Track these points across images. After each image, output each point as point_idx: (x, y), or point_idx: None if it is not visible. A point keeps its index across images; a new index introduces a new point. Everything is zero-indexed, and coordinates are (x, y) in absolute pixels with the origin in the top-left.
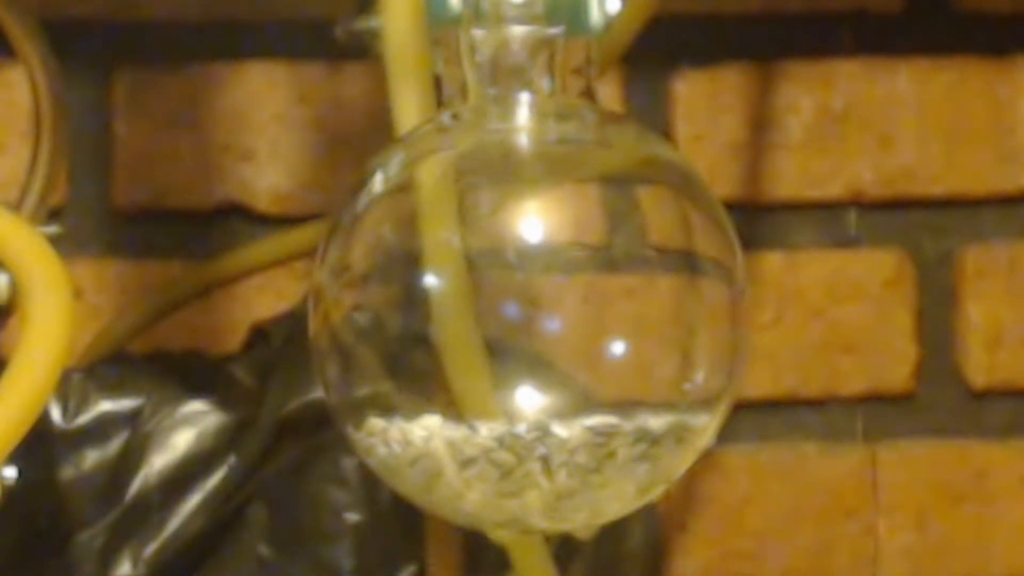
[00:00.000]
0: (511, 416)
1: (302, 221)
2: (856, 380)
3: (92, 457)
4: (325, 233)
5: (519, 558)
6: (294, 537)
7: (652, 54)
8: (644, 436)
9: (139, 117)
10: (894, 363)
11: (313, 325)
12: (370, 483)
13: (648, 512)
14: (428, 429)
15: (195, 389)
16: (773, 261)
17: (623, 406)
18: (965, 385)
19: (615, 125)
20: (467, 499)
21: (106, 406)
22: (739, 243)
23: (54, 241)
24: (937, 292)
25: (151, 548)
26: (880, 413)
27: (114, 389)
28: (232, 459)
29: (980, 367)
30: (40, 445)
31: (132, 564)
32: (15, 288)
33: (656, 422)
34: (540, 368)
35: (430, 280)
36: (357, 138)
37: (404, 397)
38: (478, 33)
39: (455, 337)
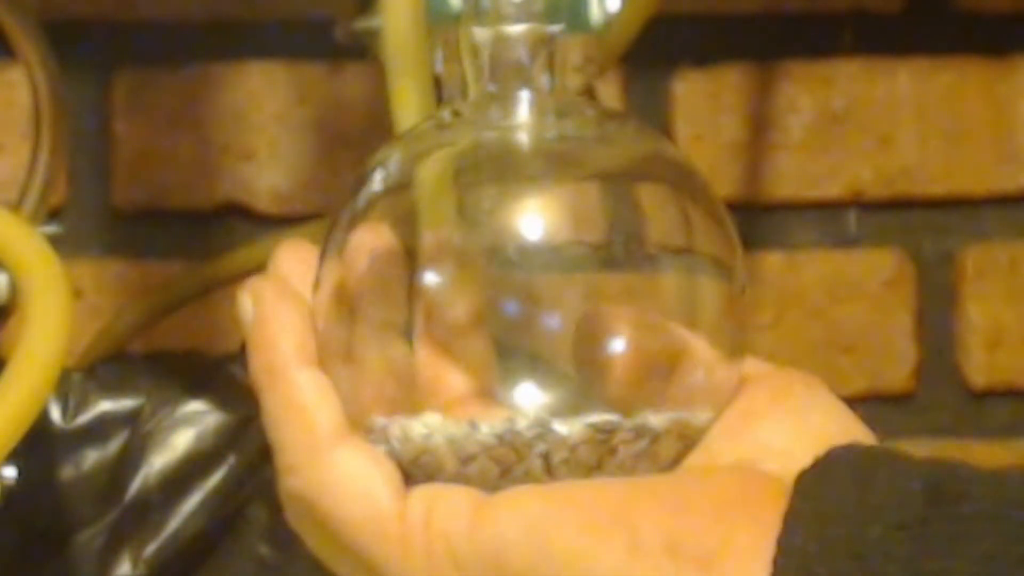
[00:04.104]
0: (511, 413)
1: (302, 221)
2: (856, 380)
3: (92, 457)
4: (325, 233)
5: None
6: (294, 537)
7: (652, 54)
8: (644, 433)
9: (139, 117)
10: (894, 363)
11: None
12: None
13: None
14: (428, 426)
15: (195, 389)
16: (773, 261)
17: (623, 404)
18: (965, 385)
19: (615, 122)
20: None
21: (106, 406)
22: (740, 242)
23: (54, 241)
24: (937, 292)
25: (151, 548)
26: (880, 413)
27: (114, 389)
28: (232, 459)
29: (980, 367)
30: (40, 445)
31: (132, 564)
32: (15, 288)
33: (656, 420)
34: (540, 365)
35: (430, 279)
36: (357, 138)
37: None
38: (478, 31)
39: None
